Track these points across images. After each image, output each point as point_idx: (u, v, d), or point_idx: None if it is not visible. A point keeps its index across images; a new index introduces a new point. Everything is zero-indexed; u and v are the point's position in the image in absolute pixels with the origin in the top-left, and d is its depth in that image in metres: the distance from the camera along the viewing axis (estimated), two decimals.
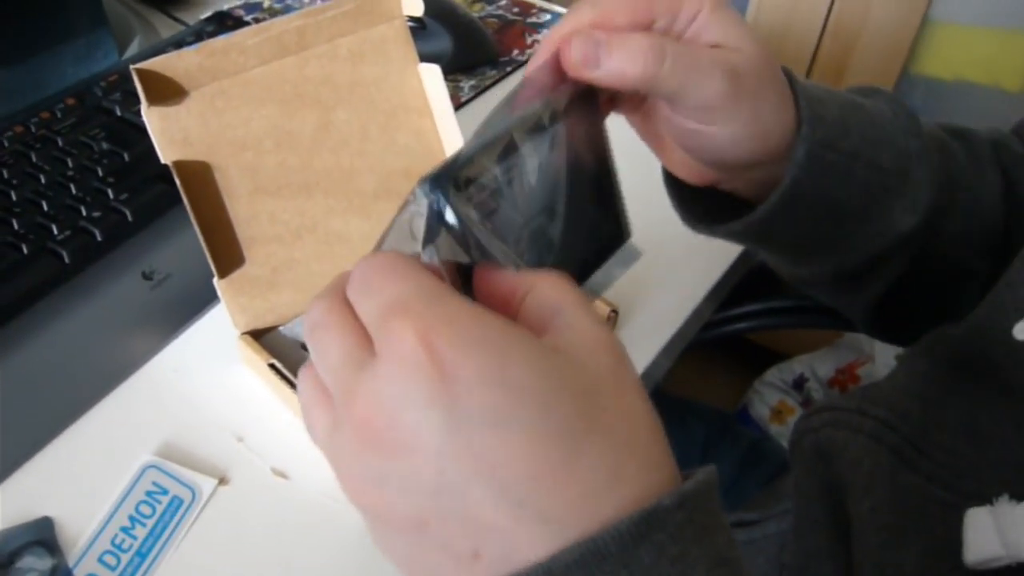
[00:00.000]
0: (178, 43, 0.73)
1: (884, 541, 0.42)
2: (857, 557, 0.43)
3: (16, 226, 0.57)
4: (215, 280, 0.51)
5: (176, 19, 0.85)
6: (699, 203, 0.47)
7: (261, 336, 0.53)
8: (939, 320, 0.49)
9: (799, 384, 1.31)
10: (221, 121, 0.50)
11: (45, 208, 0.58)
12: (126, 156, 0.62)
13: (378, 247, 0.32)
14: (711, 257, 0.64)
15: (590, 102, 0.39)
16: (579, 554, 0.24)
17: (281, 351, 0.52)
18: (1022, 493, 0.38)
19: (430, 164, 0.31)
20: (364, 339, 0.27)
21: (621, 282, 0.40)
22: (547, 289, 0.29)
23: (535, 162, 0.34)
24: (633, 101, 0.43)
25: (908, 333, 0.52)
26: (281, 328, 0.54)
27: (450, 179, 0.30)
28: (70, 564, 0.44)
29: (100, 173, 0.61)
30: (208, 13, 0.82)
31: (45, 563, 0.44)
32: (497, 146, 0.33)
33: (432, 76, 0.56)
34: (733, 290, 0.64)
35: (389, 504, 0.27)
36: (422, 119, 0.57)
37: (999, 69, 1.09)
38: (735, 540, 0.28)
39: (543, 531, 0.25)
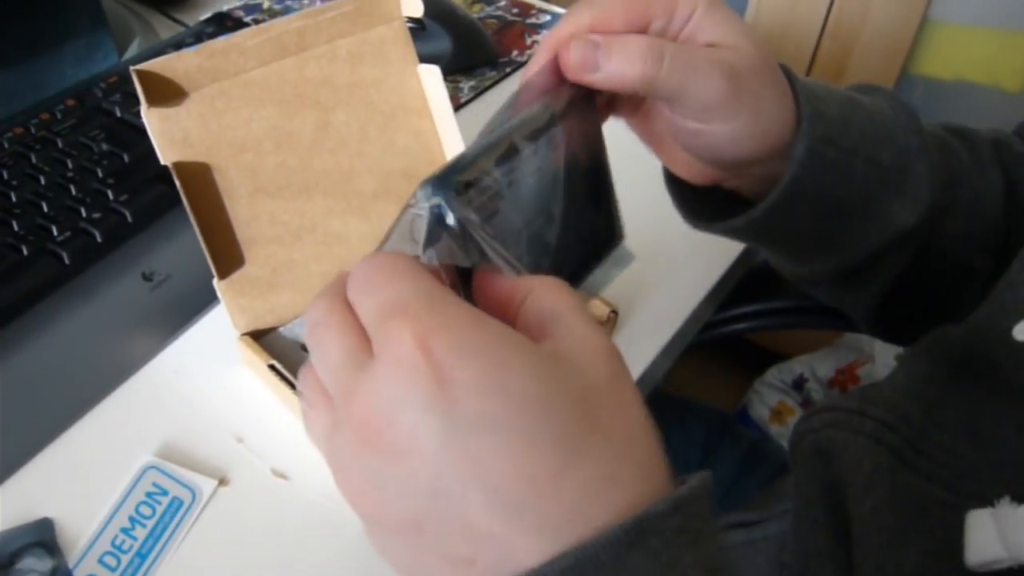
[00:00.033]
0: (178, 44, 0.73)
1: (884, 542, 0.42)
2: (857, 558, 0.43)
3: (16, 227, 0.57)
4: (215, 281, 0.51)
5: (176, 20, 0.85)
6: (700, 202, 0.47)
7: (261, 337, 0.53)
8: (941, 319, 0.49)
9: (799, 384, 1.31)
10: (221, 122, 0.50)
11: (45, 209, 0.58)
12: (126, 157, 0.62)
13: (380, 249, 0.32)
14: (711, 258, 0.63)
15: (588, 104, 0.39)
16: (573, 560, 0.24)
17: (281, 352, 0.52)
18: (1023, 494, 0.38)
19: (429, 165, 0.31)
20: (364, 340, 0.27)
21: (621, 283, 0.40)
22: (546, 293, 0.29)
23: (535, 165, 0.34)
24: (632, 103, 0.43)
25: (910, 332, 0.52)
26: (281, 329, 0.54)
27: (451, 182, 0.30)
28: (70, 565, 0.44)
29: (100, 174, 0.61)
30: (208, 14, 0.82)
31: (45, 564, 0.44)
32: (498, 149, 0.33)
33: (431, 77, 0.56)
34: (733, 290, 0.64)
35: (386, 506, 0.27)
36: (421, 120, 0.57)
37: (999, 69, 1.09)
38: (725, 549, 0.28)
39: (539, 537, 0.25)
